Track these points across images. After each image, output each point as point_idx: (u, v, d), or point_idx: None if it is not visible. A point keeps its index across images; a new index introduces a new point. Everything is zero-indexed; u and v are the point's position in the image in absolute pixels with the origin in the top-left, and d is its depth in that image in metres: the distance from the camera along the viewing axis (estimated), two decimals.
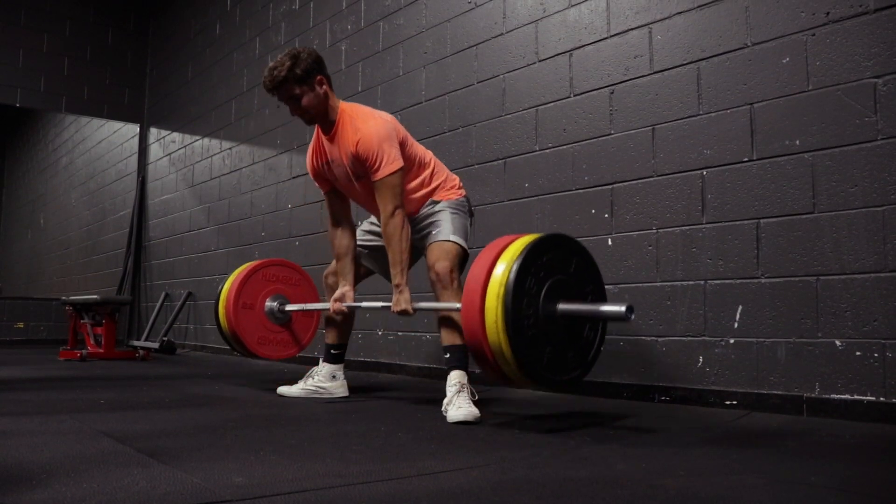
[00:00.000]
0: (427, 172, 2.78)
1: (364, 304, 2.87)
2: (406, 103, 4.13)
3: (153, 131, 7.42)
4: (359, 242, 2.95)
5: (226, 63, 6.14)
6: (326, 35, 4.86)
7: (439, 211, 2.74)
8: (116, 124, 7.67)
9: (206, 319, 6.07)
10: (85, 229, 8.37)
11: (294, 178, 5.04)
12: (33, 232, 8.87)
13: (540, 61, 3.40)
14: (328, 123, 2.72)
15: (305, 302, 3.39)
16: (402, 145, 2.67)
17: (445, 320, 2.61)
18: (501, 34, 3.60)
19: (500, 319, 2.07)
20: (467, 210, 2.83)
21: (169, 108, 7.11)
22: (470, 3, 3.78)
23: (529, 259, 2.11)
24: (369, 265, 2.99)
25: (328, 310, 2.91)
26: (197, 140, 6.51)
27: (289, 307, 3.34)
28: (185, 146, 6.73)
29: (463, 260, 2.69)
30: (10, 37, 6.84)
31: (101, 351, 5.12)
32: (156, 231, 7.11)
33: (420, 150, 2.80)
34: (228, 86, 6.06)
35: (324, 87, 2.68)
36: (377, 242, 2.93)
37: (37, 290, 8.36)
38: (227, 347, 5.67)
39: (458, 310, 2.35)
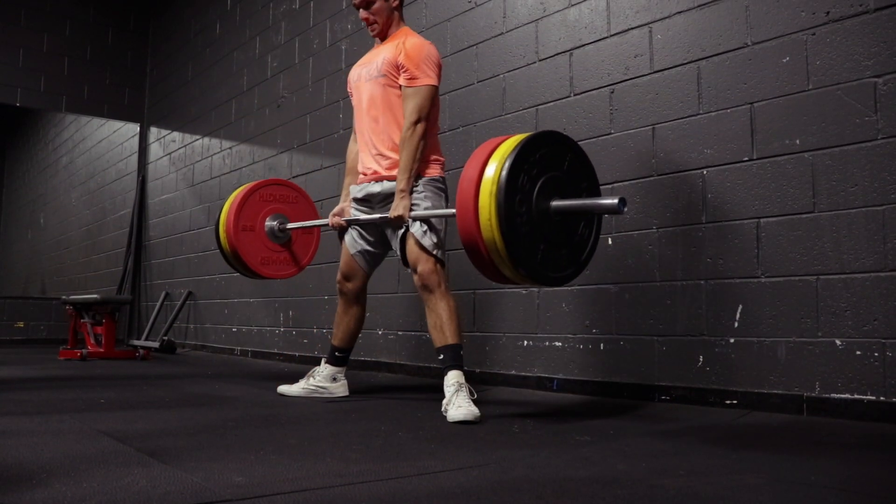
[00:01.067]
0: (432, 130, 2.81)
1: (362, 217, 2.87)
2: None
3: (153, 131, 7.42)
4: (362, 251, 2.94)
5: (226, 63, 6.14)
6: (327, 34, 4.86)
7: (417, 194, 2.72)
8: (116, 124, 7.67)
9: (207, 319, 6.07)
10: (85, 229, 8.37)
11: (294, 177, 5.03)
12: (33, 231, 8.87)
13: (540, 61, 3.40)
14: (385, 36, 2.87)
15: (305, 219, 3.42)
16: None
17: (435, 322, 2.61)
18: (501, 33, 3.60)
19: (493, 216, 2.10)
20: (443, 191, 2.82)
21: (169, 107, 7.11)
22: (470, 2, 3.78)
23: (522, 156, 2.13)
24: (363, 265, 2.96)
25: (328, 224, 2.98)
26: (197, 139, 6.51)
27: (289, 225, 3.37)
28: (185, 145, 6.73)
29: (442, 252, 2.69)
30: (10, 36, 6.84)
31: (102, 350, 5.12)
32: (156, 230, 7.11)
33: (438, 113, 2.87)
34: (228, 85, 6.06)
35: (395, 2, 2.86)
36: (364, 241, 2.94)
37: (37, 289, 8.36)
38: (228, 347, 5.68)
39: (453, 215, 2.37)
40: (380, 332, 4.17)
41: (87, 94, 7.23)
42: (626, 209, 2.14)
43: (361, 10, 2.87)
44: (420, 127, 2.66)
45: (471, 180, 2.17)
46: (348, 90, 3.00)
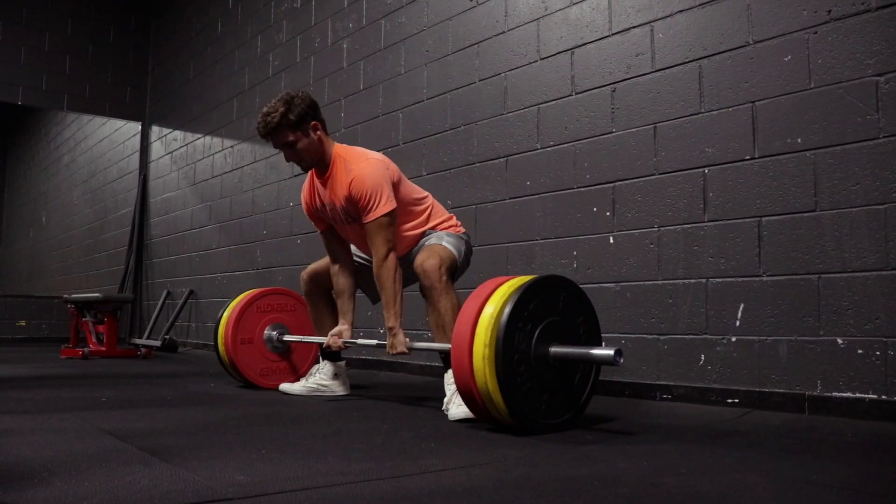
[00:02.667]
0: (423, 213, 2.78)
1: (361, 341, 2.84)
2: (407, 101, 4.13)
3: (155, 129, 7.42)
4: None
5: (227, 61, 6.14)
6: (328, 33, 4.86)
7: (433, 234, 2.74)
8: (118, 122, 7.67)
9: (208, 317, 6.08)
10: (86, 227, 8.38)
11: (295, 176, 5.04)
12: (35, 230, 8.88)
13: (541, 59, 3.40)
14: (323, 167, 2.72)
15: (304, 328, 3.38)
16: (395, 186, 2.66)
17: (437, 321, 2.59)
18: (503, 32, 3.60)
19: (489, 359, 2.04)
20: (465, 242, 2.79)
21: (170, 106, 7.11)
22: (471, 1, 3.78)
23: (516, 313, 2.07)
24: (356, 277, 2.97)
25: (325, 344, 2.89)
26: (198, 138, 6.51)
27: (287, 338, 3.31)
28: (186, 144, 6.73)
29: (453, 265, 2.65)
30: (11, 35, 6.85)
31: (103, 349, 5.12)
32: (157, 229, 7.12)
33: (416, 191, 2.80)
34: (230, 84, 6.06)
35: (318, 132, 2.68)
36: (363, 263, 2.94)
37: (38, 288, 8.37)
38: None
39: (448, 350, 2.30)
40: (381, 331, 4.17)
41: (89, 92, 7.24)
42: (622, 361, 2.10)
43: (284, 152, 2.71)
44: (391, 259, 2.60)
45: (468, 321, 2.11)
46: (309, 218, 2.91)
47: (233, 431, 2.10)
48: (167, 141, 7.13)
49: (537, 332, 2.11)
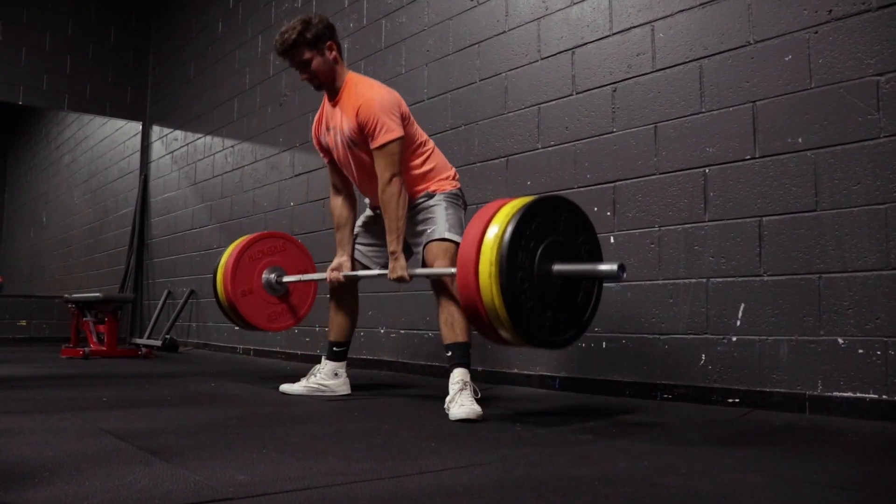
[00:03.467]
0: (426, 154, 2.80)
1: (360, 272, 2.88)
2: (408, 101, 4.10)
3: (155, 129, 7.42)
4: (357, 249, 2.96)
5: (228, 61, 6.14)
6: None
7: (434, 206, 2.74)
8: (118, 122, 7.67)
9: (209, 317, 6.08)
10: (87, 227, 8.38)
11: (296, 175, 5.04)
12: (36, 230, 8.88)
13: (542, 59, 3.40)
14: (334, 90, 2.77)
15: (297, 266, 3.41)
16: (404, 120, 2.70)
17: (447, 318, 2.60)
18: (504, 32, 3.59)
19: (494, 279, 2.07)
20: (461, 202, 2.83)
21: (171, 105, 7.11)
22: (472, 1, 3.78)
23: (523, 221, 2.10)
24: (367, 263, 2.98)
25: (326, 279, 2.95)
26: (199, 138, 6.51)
27: (286, 279, 3.34)
28: (187, 144, 6.73)
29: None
30: (12, 35, 6.85)
31: (104, 349, 5.12)
32: (158, 229, 7.12)
33: (421, 133, 2.83)
34: (230, 84, 6.06)
35: (333, 53, 2.73)
36: (373, 246, 2.96)
37: (39, 287, 8.37)
38: (230, 346, 5.69)
39: (453, 275, 2.36)
40: (382, 331, 4.17)
41: (90, 92, 7.24)
42: (625, 275, 2.12)
43: (299, 71, 2.75)
44: (395, 183, 2.62)
45: (472, 242, 2.14)
46: (318, 149, 2.96)
47: (233, 431, 2.10)
48: (168, 141, 7.13)
49: (540, 250, 2.15)
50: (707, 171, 2.77)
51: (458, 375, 2.50)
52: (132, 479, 1.44)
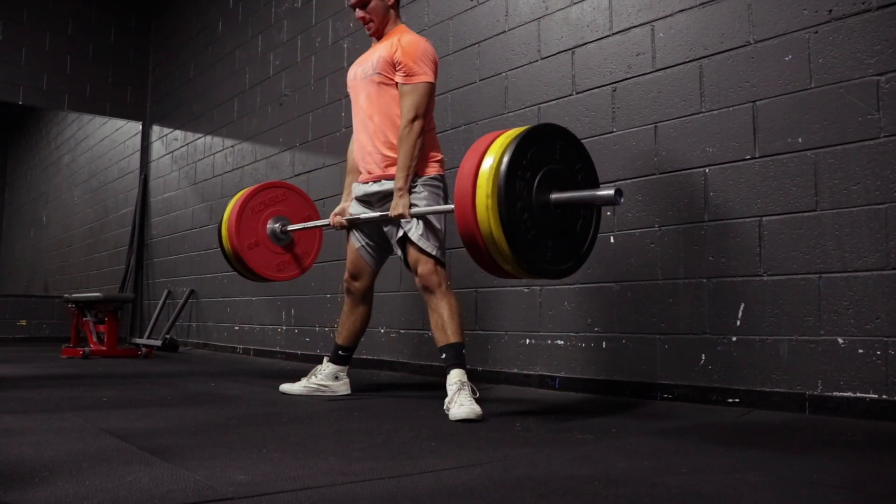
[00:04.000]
0: (429, 128, 2.80)
1: (363, 215, 2.88)
2: None
3: (155, 129, 7.42)
4: (362, 246, 2.95)
5: (228, 61, 6.14)
6: (329, 33, 4.86)
7: (419, 195, 2.72)
8: (119, 122, 7.67)
9: (209, 317, 6.08)
10: (87, 227, 8.38)
11: (296, 175, 5.04)
12: (36, 230, 8.88)
13: (542, 59, 3.40)
14: (381, 36, 2.85)
15: (302, 212, 3.45)
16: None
17: (437, 322, 2.62)
18: (503, 32, 3.59)
19: (492, 209, 2.10)
20: (442, 188, 2.81)
21: (171, 105, 7.11)
22: (472, 0, 3.78)
23: (519, 150, 2.12)
24: (370, 261, 2.97)
25: (329, 224, 2.98)
26: (199, 138, 6.51)
27: (290, 227, 3.36)
28: (187, 144, 6.73)
29: (443, 255, 2.71)
30: (12, 35, 6.85)
31: (104, 349, 5.12)
32: (158, 229, 7.12)
33: (431, 109, 2.83)
34: (231, 84, 6.06)
35: (391, 0, 2.84)
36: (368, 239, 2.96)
37: (39, 287, 8.37)
38: (230, 345, 5.69)
39: (451, 211, 2.37)
40: (382, 331, 4.17)
41: (90, 92, 7.24)
42: (622, 199, 2.14)
43: (357, 9, 2.84)
44: (417, 124, 2.65)
45: (468, 174, 2.17)
46: (348, 89, 3.00)
47: (233, 431, 2.10)
48: (168, 140, 7.13)
49: (537, 179, 2.17)
50: (707, 170, 2.77)
51: (455, 376, 2.51)
52: (132, 479, 1.44)
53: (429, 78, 2.68)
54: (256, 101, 5.66)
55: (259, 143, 5.57)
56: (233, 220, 3.28)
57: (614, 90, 3.10)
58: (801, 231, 2.51)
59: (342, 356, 3.00)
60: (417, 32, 4.04)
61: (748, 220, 2.65)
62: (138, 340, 6.48)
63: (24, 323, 7.06)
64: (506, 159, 2.10)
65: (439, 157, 2.83)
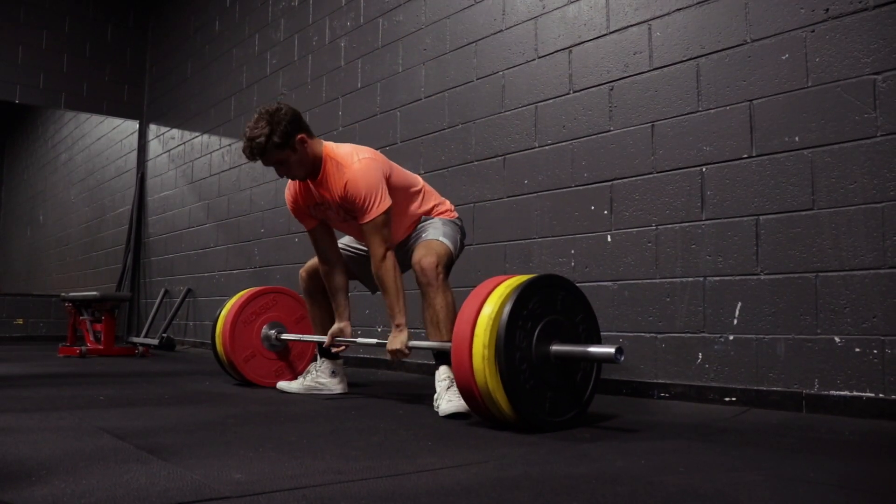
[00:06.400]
0: (420, 194, 2.80)
1: (360, 339, 2.85)
2: (405, 100, 4.13)
3: (152, 128, 7.41)
4: (341, 248, 2.95)
5: (225, 60, 6.14)
6: (326, 32, 4.85)
7: (429, 223, 2.77)
8: (116, 121, 7.66)
9: (206, 316, 6.07)
10: (84, 226, 8.36)
11: None
12: (33, 228, 8.86)
13: (539, 58, 3.40)
14: (315, 172, 2.69)
15: (293, 313, 3.42)
16: (388, 178, 2.66)
17: (431, 317, 2.60)
18: (501, 31, 3.59)
19: (489, 358, 2.03)
20: (460, 228, 2.83)
21: (168, 104, 7.10)
22: None
23: (516, 311, 2.06)
24: (352, 267, 2.98)
25: (325, 344, 2.91)
26: (196, 136, 6.50)
27: (285, 336, 3.31)
28: (184, 143, 6.72)
29: (450, 262, 2.67)
30: (9, 33, 6.83)
31: (101, 347, 5.12)
32: (155, 227, 7.11)
33: (408, 177, 2.80)
34: (228, 82, 6.05)
35: (305, 144, 2.62)
36: (359, 253, 2.95)
37: (36, 286, 8.35)
38: None
39: (448, 349, 2.29)
40: (379, 330, 4.17)
41: (87, 90, 7.23)
42: (623, 358, 2.10)
43: (276, 170, 2.69)
44: (389, 258, 2.61)
45: (467, 321, 2.11)
46: (295, 217, 2.88)
47: (231, 430, 2.10)
48: (165, 139, 7.12)
49: (537, 330, 2.12)
50: (704, 169, 2.77)
51: (444, 373, 2.51)
52: (129, 478, 1.44)
53: (381, 207, 2.57)
54: (254, 100, 5.65)
55: None
56: (227, 333, 3.25)
57: (611, 89, 3.10)
58: (797, 230, 2.52)
59: (333, 350, 2.98)
60: (414, 32, 4.06)
61: (745, 218, 2.65)
62: (135, 339, 6.47)
63: (20, 322, 7.05)
64: (507, 308, 2.05)
65: (448, 206, 2.86)
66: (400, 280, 2.63)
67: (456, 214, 2.86)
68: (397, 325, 2.62)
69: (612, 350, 2.06)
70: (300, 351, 3.43)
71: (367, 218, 2.58)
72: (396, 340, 2.59)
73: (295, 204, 2.83)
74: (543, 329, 2.13)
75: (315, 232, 2.85)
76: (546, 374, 2.12)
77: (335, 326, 2.86)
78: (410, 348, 2.60)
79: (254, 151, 2.60)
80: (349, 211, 2.67)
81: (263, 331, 3.32)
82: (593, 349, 2.12)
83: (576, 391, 2.23)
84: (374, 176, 2.59)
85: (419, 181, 2.84)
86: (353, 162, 2.61)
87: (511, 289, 2.12)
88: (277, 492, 1.37)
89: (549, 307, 2.18)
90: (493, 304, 2.10)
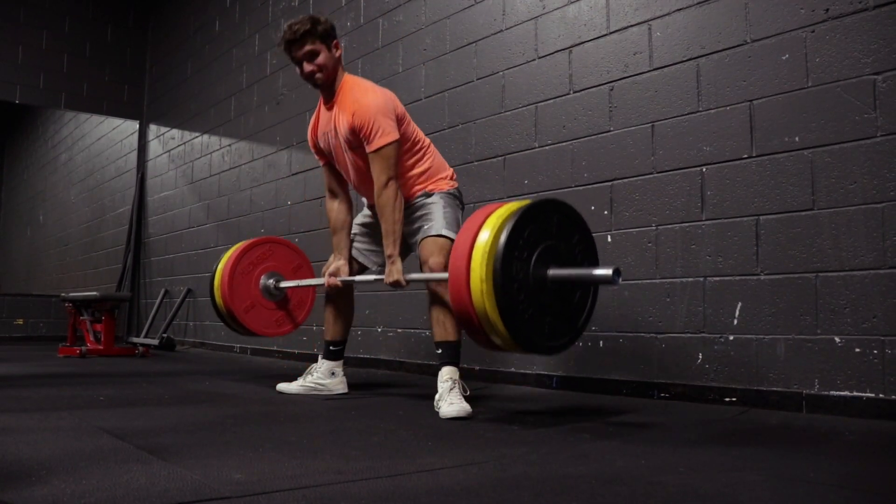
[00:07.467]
0: (422, 154, 2.80)
1: (357, 277, 2.88)
2: (405, 100, 4.12)
3: (152, 128, 7.41)
4: (353, 240, 2.96)
5: (225, 60, 6.14)
6: None
7: (431, 203, 2.75)
8: (116, 121, 7.66)
9: (206, 316, 6.07)
10: (84, 226, 8.36)
11: (293, 174, 5.03)
12: (33, 228, 8.86)
13: (539, 58, 3.40)
14: (331, 92, 2.78)
15: (292, 264, 3.44)
16: (400, 122, 2.70)
17: (438, 316, 2.61)
18: (501, 31, 3.59)
19: (487, 283, 2.04)
20: (459, 202, 2.84)
21: (168, 104, 7.10)
22: None
23: (518, 225, 2.07)
24: (364, 262, 2.98)
25: (324, 286, 2.95)
26: (196, 137, 6.50)
27: (284, 284, 3.34)
28: (184, 143, 6.72)
29: None
30: (9, 33, 6.83)
31: (101, 348, 5.12)
32: (155, 228, 7.11)
33: (419, 133, 2.83)
34: (228, 82, 6.05)
35: (338, 51, 2.76)
36: (371, 246, 2.96)
37: (36, 286, 8.36)
38: (227, 344, 5.68)
39: (446, 280, 2.35)
40: (379, 330, 4.17)
41: (87, 90, 7.23)
42: (620, 280, 2.10)
43: (304, 62, 2.72)
44: (391, 187, 2.63)
45: (462, 255, 2.11)
46: (314, 152, 2.96)
47: (230, 430, 2.10)
48: (165, 139, 7.12)
49: (534, 258, 2.12)
50: (704, 170, 2.77)
51: (447, 374, 2.52)
52: (129, 478, 1.44)
53: (389, 138, 2.61)
54: (254, 100, 5.65)
55: (256, 142, 5.56)
56: (225, 284, 3.26)
57: (611, 89, 3.10)
58: (797, 230, 2.51)
59: (334, 351, 3.00)
60: (414, 32, 4.06)
61: (745, 219, 2.65)
62: (135, 339, 6.48)
63: (21, 322, 7.05)
64: (502, 240, 2.04)
65: (449, 173, 2.84)
66: (400, 211, 2.65)
67: (456, 184, 2.85)
68: (390, 256, 2.66)
69: (609, 271, 2.07)
70: (299, 300, 3.46)
71: (374, 146, 2.62)
72: (394, 271, 2.65)
73: (311, 136, 2.93)
74: (540, 256, 2.13)
75: (327, 167, 2.96)
76: (544, 299, 2.14)
77: (333, 265, 2.92)
78: (408, 280, 2.64)
79: (296, 33, 2.70)
80: (351, 141, 2.70)
81: (262, 281, 3.34)
82: (590, 271, 2.14)
83: (573, 313, 2.25)
84: (385, 107, 2.65)
85: (427, 141, 2.85)
86: (368, 90, 2.70)
87: (504, 219, 2.11)
88: (277, 492, 1.37)
89: (544, 233, 2.17)
90: (487, 234, 2.09)
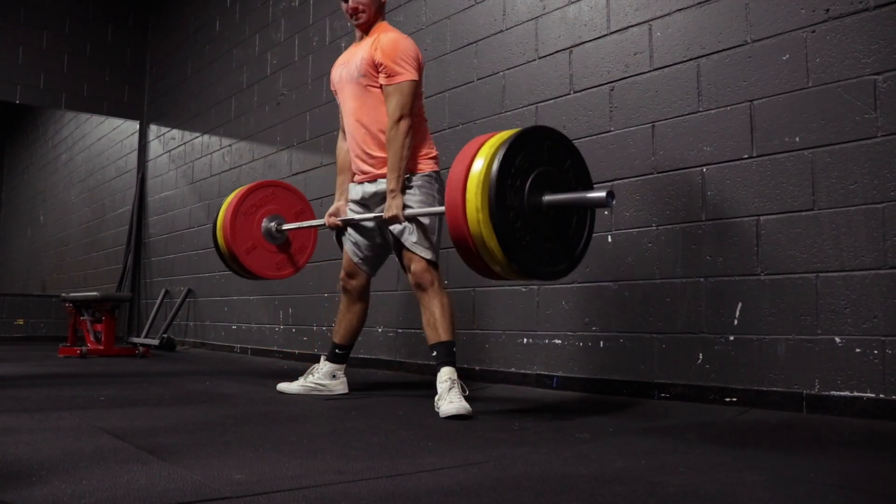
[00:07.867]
0: (417, 124, 2.79)
1: (357, 216, 2.88)
2: None
3: (153, 128, 7.41)
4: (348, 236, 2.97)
5: (225, 60, 6.14)
6: (326, 32, 4.85)
7: (410, 195, 2.72)
8: (116, 121, 7.66)
9: (206, 316, 6.07)
10: (84, 226, 8.37)
11: (294, 174, 5.03)
12: (33, 229, 8.87)
13: (540, 58, 3.40)
14: (365, 33, 2.85)
15: (295, 208, 3.48)
16: (418, 73, 2.75)
17: (428, 320, 2.64)
18: (501, 31, 3.59)
19: (482, 211, 2.08)
20: (437, 185, 2.80)
21: (168, 104, 7.10)
22: None
23: (511, 151, 2.10)
24: (366, 269, 2.97)
25: (325, 225, 2.98)
26: (196, 137, 6.50)
27: (285, 227, 3.37)
28: (184, 143, 6.72)
29: (436, 254, 2.73)
30: (9, 34, 6.83)
31: (101, 348, 5.12)
32: (155, 228, 7.11)
33: (420, 104, 2.84)
34: (228, 83, 6.05)
35: None
36: (359, 237, 2.96)
37: (36, 286, 8.36)
38: (227, 344, 5.68)
39: (443, 213, 2.37)
40: (379, 330, 4.17)
41: (87, 91, 7.23)
42: (614, 202, 2.15)
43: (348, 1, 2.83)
44: (404, 124, 2.66)
45: (457, 187, 2.16)
46: (332, 90, 3.02)
47: (231, 430, 2.10)
48: (165, 139, 7.13)
49: (528, 184, 2.16)
50: (704, 170, 2.77)
51: (445, 374, 2.53)
52: (130, 478, 1.44)
53: (411, 76, 2.69)
54: (254, 101, 5.66)
55: (256, 143, 5.57)
56: (227, 225, 3.29)
57: (612, 89, 3.10)
58: (798, 230, 2.51)
59: (339, 354, 3.01)
60: (414, 32, 4.06)
61: (746, 219, 2.65)
62: (136, 340, 6.48)
63: (21, 322, 7.06)
64: (494, 169, 2.08)
65: (433, 153, 2.84)
66: (408, 149, 2.68)
67: (437, 166, 2.83)
68: (391, 191, 2.67)
69: (602, 194, 2.11)
70: (301, 245, 3.49)
71: (394, 80, 2.68)
72: (393, 206, 2.66)
73: (333, 71, 2.96)
74: (534, 182, 2.18)
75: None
76: (541, 225, 2.18)
77: (333, 206, 2.97)
78: (406, 216, 2.66)
79: None
80: (363, 70, 2.74)
81: (264, 223, 3.36)
82: (584, 195, 2.17)
83: (571, 238, 2.29)
84: (411, 49, 2.73)
85: (424, 115, 2.87)
86: (400, 36, 2.77)
87: (496, 147, 2.14)
88: (277, 492, 1.37)
89: (536, 159, 2.21)
90: (480, 164, 2.13)
